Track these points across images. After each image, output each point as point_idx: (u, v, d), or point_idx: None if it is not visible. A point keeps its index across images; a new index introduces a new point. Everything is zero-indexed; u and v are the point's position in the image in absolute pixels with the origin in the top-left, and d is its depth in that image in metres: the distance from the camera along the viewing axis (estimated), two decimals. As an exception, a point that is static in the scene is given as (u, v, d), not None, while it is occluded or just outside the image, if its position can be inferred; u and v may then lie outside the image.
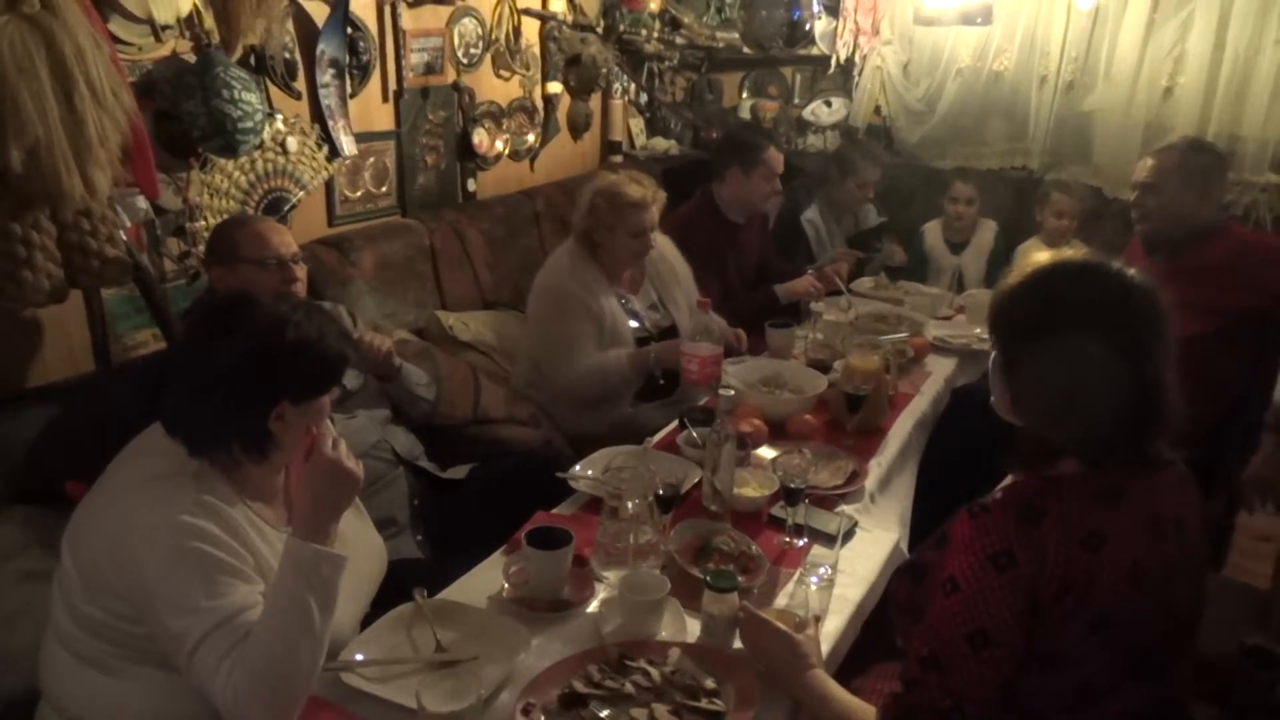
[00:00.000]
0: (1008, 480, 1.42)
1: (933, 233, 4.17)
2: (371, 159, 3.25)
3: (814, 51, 4.71)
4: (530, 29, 3.87)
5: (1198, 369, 2.29)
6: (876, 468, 2.26)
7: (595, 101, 4.35)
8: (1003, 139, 4.45)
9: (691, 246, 3.03)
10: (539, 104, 3.99)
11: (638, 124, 4.64)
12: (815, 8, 2.69)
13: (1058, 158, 4.33)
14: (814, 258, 3.82)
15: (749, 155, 3.27)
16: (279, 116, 2.82)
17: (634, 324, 2.77)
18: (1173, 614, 1.28)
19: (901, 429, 2.45)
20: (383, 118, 3.27)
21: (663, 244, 2.88)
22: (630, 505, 1.74)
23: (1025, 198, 4.21)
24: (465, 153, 3.62)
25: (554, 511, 1.98)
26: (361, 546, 1.66)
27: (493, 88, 3.74)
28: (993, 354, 1.39)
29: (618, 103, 4.42)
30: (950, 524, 1.30)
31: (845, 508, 2.05)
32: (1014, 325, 1.33)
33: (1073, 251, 1.37)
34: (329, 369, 1.49)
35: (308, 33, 2.91)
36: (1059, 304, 1.29)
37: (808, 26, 2.92)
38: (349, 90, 3.05)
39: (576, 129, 4.27)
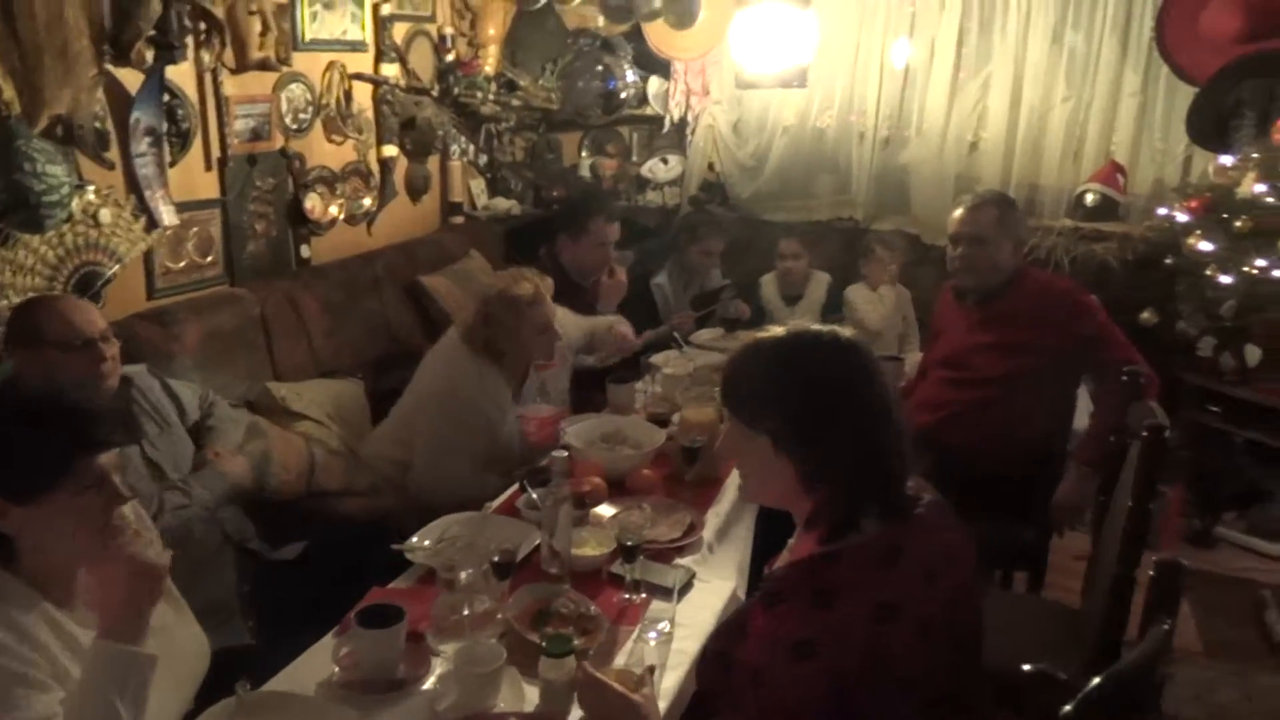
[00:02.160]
0: (790, 552, 1.43)
1: (769, 286, 4.20)
2: (195, 228, 3.14)
3: (648, 111, 4.82)
4: (362, 93, 3.84)
5: (1008, 403, 2.53)
6: (714, 517, 2.29)
7: (433, 163, 4.33)
8: (829, 192, 4.68)
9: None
10: (375, 167, 3.95)
11: (478, 184, 4.64)
12: (630, 77, 2.79)
13: (880, 209, 4.56)
14: (660, 321, 3.84)
15: (575, 223, 3.30)
16: (90, 188, 2.69)
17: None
18: (963, 649, 1.31)
19: (738, 477, 2.46)
20: (206, 186, 3.18)
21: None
22: (464, 575, 1.71)
23: (854, 247, 4.35)
24: (297, 219, 3.54)
25: (391, 586, 1.93)
26: (179, 640, 1.58)
27: (325, 152, 3.68)
28: (757, 439, 1.35)
29: (456, 164, 4.42)
30: (748, 613, 1.30)
31: (683, 560, 2.07)
32: (784, 403, 1.32)
33: (796, 325, 1.40)
34: (41, 465, 1.32)
35: (121, 101, 2.80)
36: (823, 375, 1.32)
37: (623, 95, 3.00)
38: (168, 159, 2.94)
39: (415, 191, 4.23)
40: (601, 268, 3.32)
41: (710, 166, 4.83)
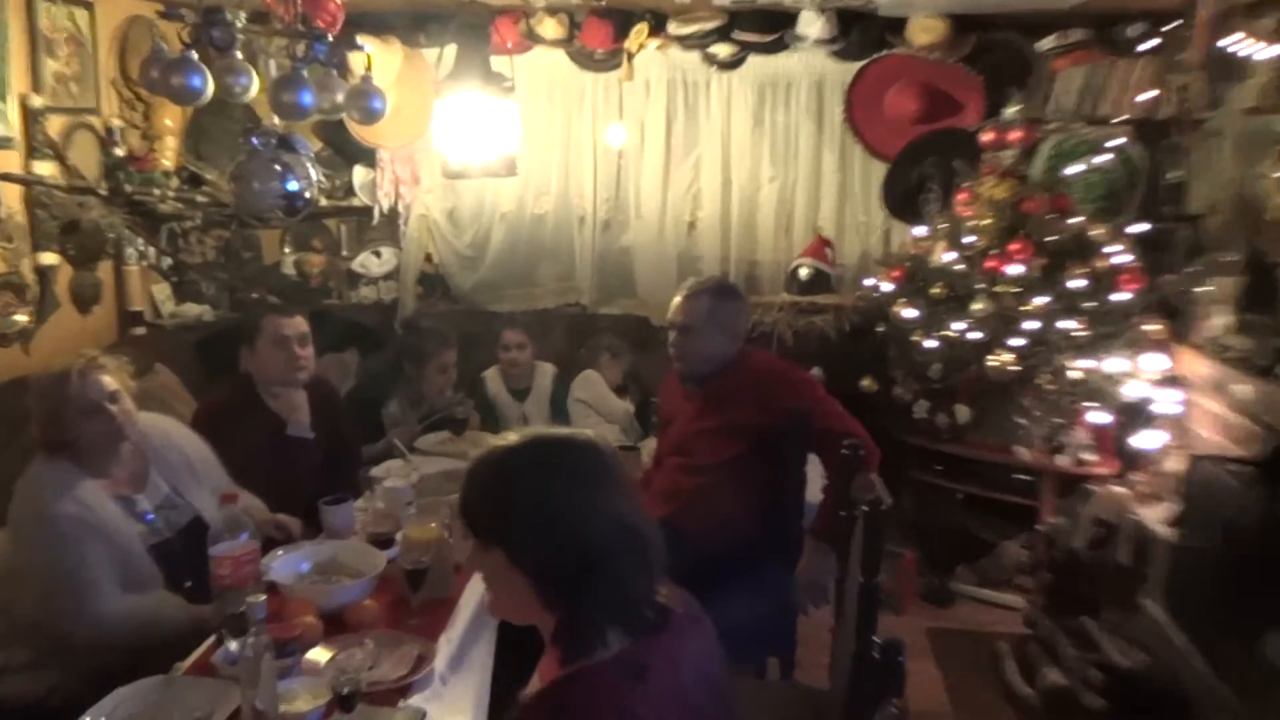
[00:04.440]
0: (539, 674, 1.40)
1: (493, 381, 4.14)
2: None
3: (355, 202, 4.69)
4: (11, 195, 3.48)
5: (741, 486, 2.56)
6: (446, 644, 2.16)
7: (105, 270, 3.98)
8: (553, 278, 4.73)
9: (227, 435, 2.73)
10: (30, 278, 3.56)
11: (163, 290, 4.31)
12: (313, 175, 2.68)
13: (605, 292, 4.67)
14: (382, 433, 3.63)
15: (248, 332, 2.99)
16: None
17: (143, 525, 2.44)
18: None
19: (473, 595, 2.36)
20: None
21: (166, 426, 2.59)
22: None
23: (581, 333, 4.43)
24: (-72, 345, 3.11)
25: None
26: None
27: (-37, 265, 3.29)
28: (491, 553, 1.33)
29: (134, 269, 4.08)
30: None
31: (413, 699, 1.94)
32: (513, 516, 1.31)
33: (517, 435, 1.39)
34: None
35: None
36: (551, 487, 1.31)
37: (307, 194, 2.96)
38: None
39: (84, 301, 3.86)
40: (291, 370, 2.95)
41: (428, 258, 4.77)
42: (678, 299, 2.81)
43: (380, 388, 3.82)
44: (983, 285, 3.63)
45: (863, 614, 1.90)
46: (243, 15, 2.52)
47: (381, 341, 4.37)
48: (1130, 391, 3.54)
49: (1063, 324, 3.54)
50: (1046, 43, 4.15)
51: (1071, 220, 3.70)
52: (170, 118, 4.12)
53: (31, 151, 3.55)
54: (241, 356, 2.97)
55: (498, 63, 3.65)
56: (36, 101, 3.54)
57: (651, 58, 4.35)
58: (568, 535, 1.26)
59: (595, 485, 1.30)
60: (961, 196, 3.85)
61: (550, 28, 4.32)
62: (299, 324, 2.93)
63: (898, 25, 4.17)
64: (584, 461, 1.32)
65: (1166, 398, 3.54)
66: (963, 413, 3.87)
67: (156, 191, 3.98)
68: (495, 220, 4.65)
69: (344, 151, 4.63)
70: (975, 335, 3.64)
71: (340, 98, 2.64)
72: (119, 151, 3.93)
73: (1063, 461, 3.77)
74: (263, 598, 1.86)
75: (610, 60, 4.37)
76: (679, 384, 2.91)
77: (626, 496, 1.32)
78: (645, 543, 1.30)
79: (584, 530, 1.27)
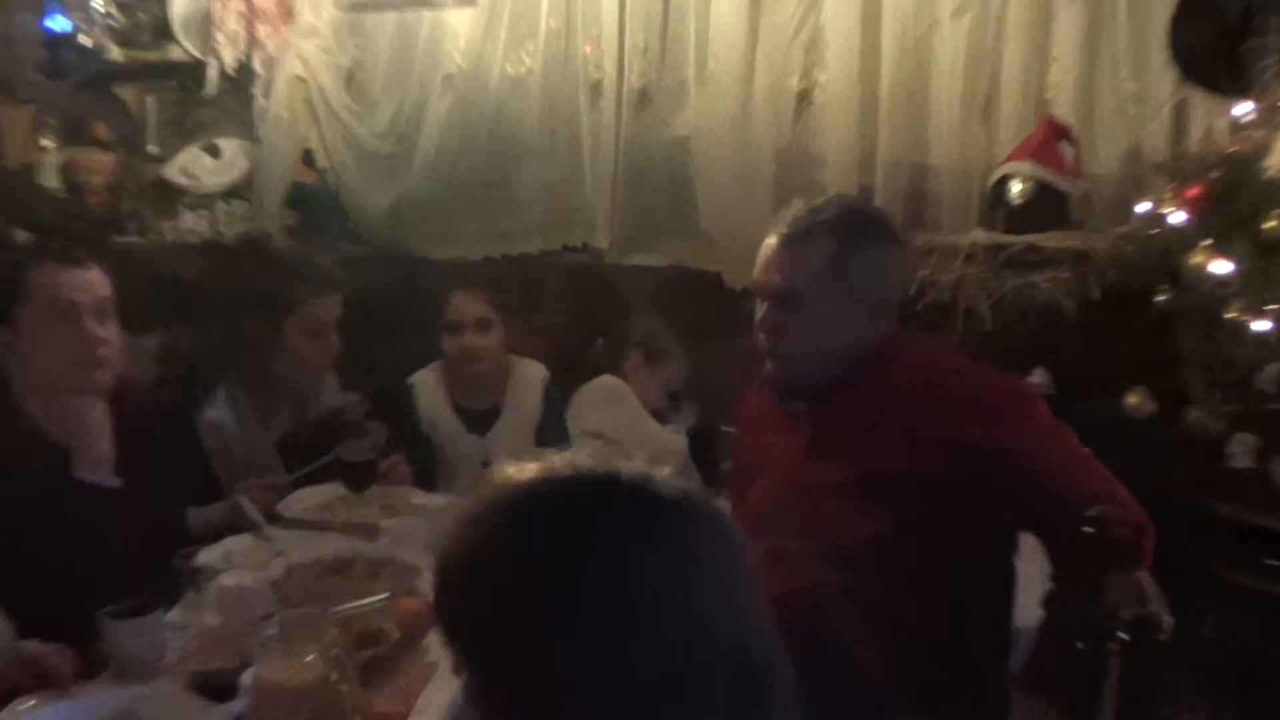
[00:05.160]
0: None
1: (430, 391, 2.97)
2: None
3: (173, 55, 3.31)
4: None
5: (889, 592, 1.96)
6: None
7: None
8: (542, 200, 3.31)
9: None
10: None
11: None
12: (95, 5, 1.63)
13: (639, 227, 3.27)
14: (219, 488, 2.67)
15: None
16: None
17: None
18: None
19: None
20: None
21: None
22: None
23: (594, 305, 3.24)
24: None
25: None
26: None
27: None
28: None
29: None
30: None
31: None
32: (552, 626, 0.90)
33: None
34: None
35: None
36: (636, 563, 0.91)
37: (86, 41, 2.48)
38: None
39: None
40: (86, 365, 2.30)
41: (307, 159, 3.40)
42: (772, 239, 2.07)
43: (201, 380, 2.93)
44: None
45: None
46: None
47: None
48: None
49: None
50: None
51: None
52: None
53: None
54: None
55: None
56: None
57: None
58: (640, 660, 0.89)
59: (700, 575, 0.91)
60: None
61: None
62: (95, 282, 2.29)
63: None
64: (677, 529, 0.92)
65: None
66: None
67: None
68: (435, 89, 3.27)
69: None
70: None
71: None
72: None
73: None
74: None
75: None
76: (771, 401, 2.23)
77: (749, 596, 0.97)
78: (766, 680, 0.97)
79: (668, 655, 0.90)
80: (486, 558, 0.91)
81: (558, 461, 0.92)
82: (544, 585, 0.88)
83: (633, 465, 0.93)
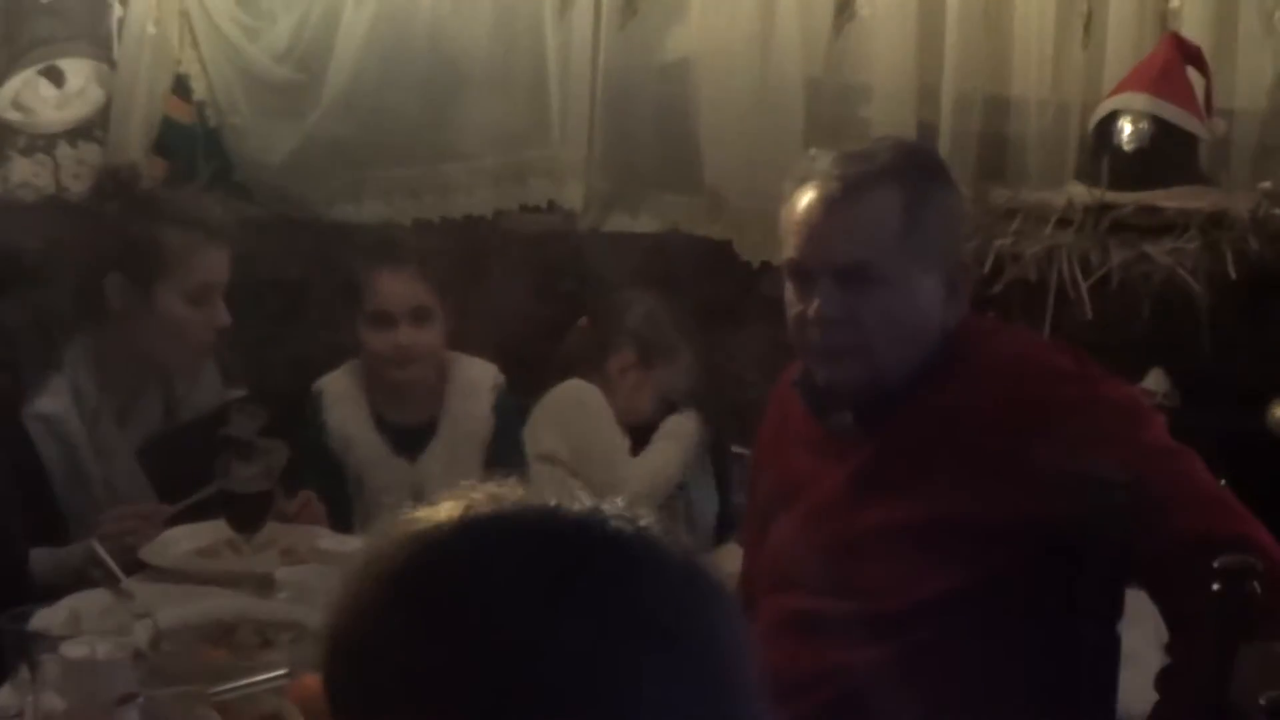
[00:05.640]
0: None
1: (346, 399, 2.62)
2: None
3: None
4: None
5: (962, 669, 1.74)
6: None
7: None
8: (492, 145, 2.86)
9: None
10: None
11: None
12: None
13: (624, 178, 2.85)
14: (56, 504, 2.35)
15: None
16: None
17: None
18: None
19: None
20: None
21: None
22: None
23: (560, 284, 2.89)
24: None
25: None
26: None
27: None
28: None
29: None
30: None
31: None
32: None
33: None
34: None
35: None
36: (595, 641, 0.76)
37: None
38: None
39: None
40: None
41: (179, 87, 2.89)
42: (811, 194, 1.76)
43: (34, 360, 2.52)
44: None
45: None
46: None
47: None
48: None
49: None
50: None
51: None
52: None
53: None
54: None
55: None
56: None
57: None
58: None
59: (679, 665, 0.77)
60: None
61: None
62: None
63: None
64: (636, 598, 0.77)
65: None
66: None
67: None
68: None
69: None
70: None
71: None
72: None
73: None
74: None
75: None
76: (804, 414, 1.91)
77: (745, 695, 0.81)
78: None
79: None
80: (380, 636, 0.75)
81: (481, 496, 0.74)
82: (455, 677, 0.74)
83: (580, 504, 0.79)
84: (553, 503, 0.74)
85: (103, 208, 2.66)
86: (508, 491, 0.74)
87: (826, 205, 1.74)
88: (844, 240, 1.75)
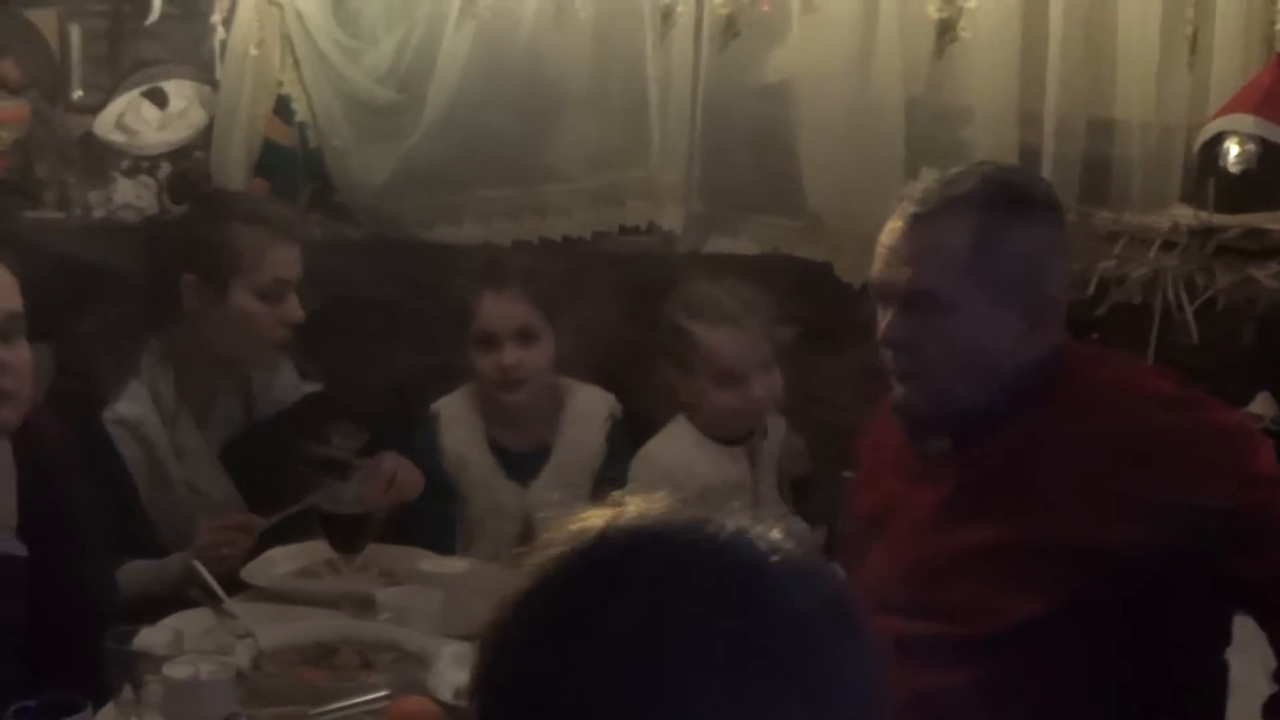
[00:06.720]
0: None
1: (463, 422, 2.61)
2: None
3: None
4: None
5: (1056, 695, 1.80)
6: None
7: None
8: (591, 167, 2.89)
9: None
10: None
11: None
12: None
13: (725, 200, 2.86)
14: (135, 518, 2.35)
15: None
16: None
17: None
18: None
19: None
20: None
21: None
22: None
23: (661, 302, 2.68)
24: None
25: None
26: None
27: None
28: None
29: None
30: None
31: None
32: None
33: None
34: None
35: None
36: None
37: None
38: None
39: None
40: None
41: (281, 109, 2.95)
42: (896, 222, 1.82)
43: (111, 371, 2.54)
44: None
45: None
46: None
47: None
48: None
49: None
50: None
51: None
52: None
53: None
54: None
55: None
56: None
57: None
58: None
59: (825, 680, 0.79)
60: None
61: None
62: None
63: None
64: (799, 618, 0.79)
65: None
66: None
67: None
68: (451, 19, 2.81)
69: None
70: None
71: None
72: None
73: None
74: None
75: None
76: (900, 438, 1.98)
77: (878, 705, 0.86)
78: None
79: None
80: (556, 645, 0.78)
81: (634, 509, 0.79)
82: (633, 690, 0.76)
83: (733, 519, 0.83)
84: (695, 521, 0.77)
85: (173, 210, 2.81)
86: (643, 511, 0.78)
87: (900, 230, 1.79)
88: (910, 265, 1.78)
